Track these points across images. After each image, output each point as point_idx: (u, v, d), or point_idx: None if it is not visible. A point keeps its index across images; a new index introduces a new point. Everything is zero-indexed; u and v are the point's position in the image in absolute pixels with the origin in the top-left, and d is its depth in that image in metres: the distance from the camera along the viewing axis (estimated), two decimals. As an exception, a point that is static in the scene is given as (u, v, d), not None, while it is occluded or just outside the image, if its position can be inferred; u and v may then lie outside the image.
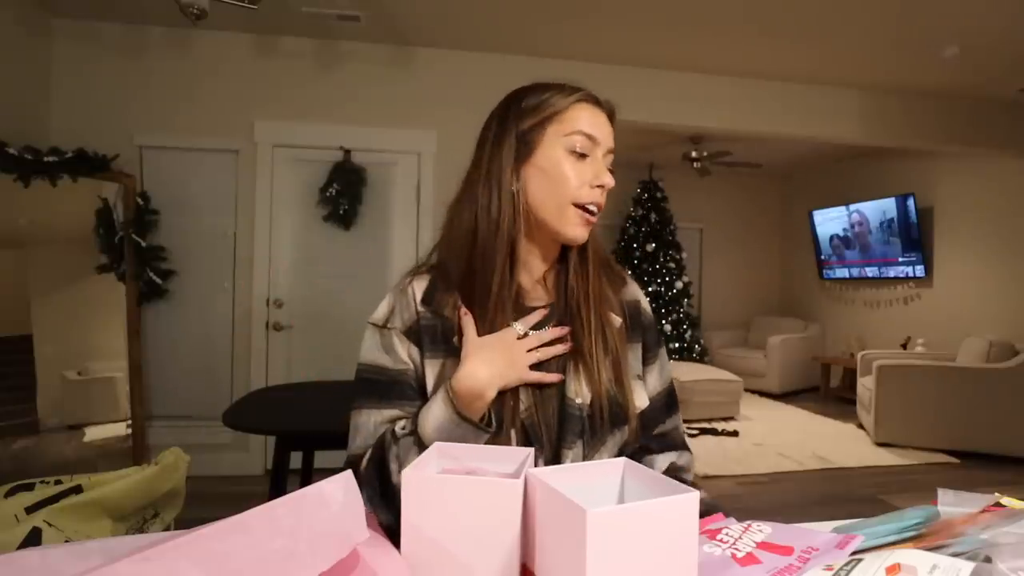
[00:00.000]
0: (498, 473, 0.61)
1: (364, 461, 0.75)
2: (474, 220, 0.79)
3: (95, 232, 3.04)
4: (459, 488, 0.54)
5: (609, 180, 0.79)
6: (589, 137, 0.78)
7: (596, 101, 0.81)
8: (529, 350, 0.77)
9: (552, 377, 0.77)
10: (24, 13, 2.97)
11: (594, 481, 0.58)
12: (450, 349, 0.78)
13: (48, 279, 2.99)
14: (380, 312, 0.83)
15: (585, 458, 0.77)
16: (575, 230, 0.79)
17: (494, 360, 0.74)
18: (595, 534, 0.44)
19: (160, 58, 3.28)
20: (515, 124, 0.80)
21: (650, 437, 0.88)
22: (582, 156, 0.78)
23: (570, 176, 0.78)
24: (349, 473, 0.51)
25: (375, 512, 0.71)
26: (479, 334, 0.77)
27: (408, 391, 0.78)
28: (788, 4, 2.94)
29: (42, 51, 3.12)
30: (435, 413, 0.72)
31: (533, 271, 0.85)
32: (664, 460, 0.86)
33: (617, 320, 0.85)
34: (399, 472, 0.70)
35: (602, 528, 0.45)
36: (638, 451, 0.84)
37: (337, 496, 0.49)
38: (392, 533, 0.61)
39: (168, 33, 3.26)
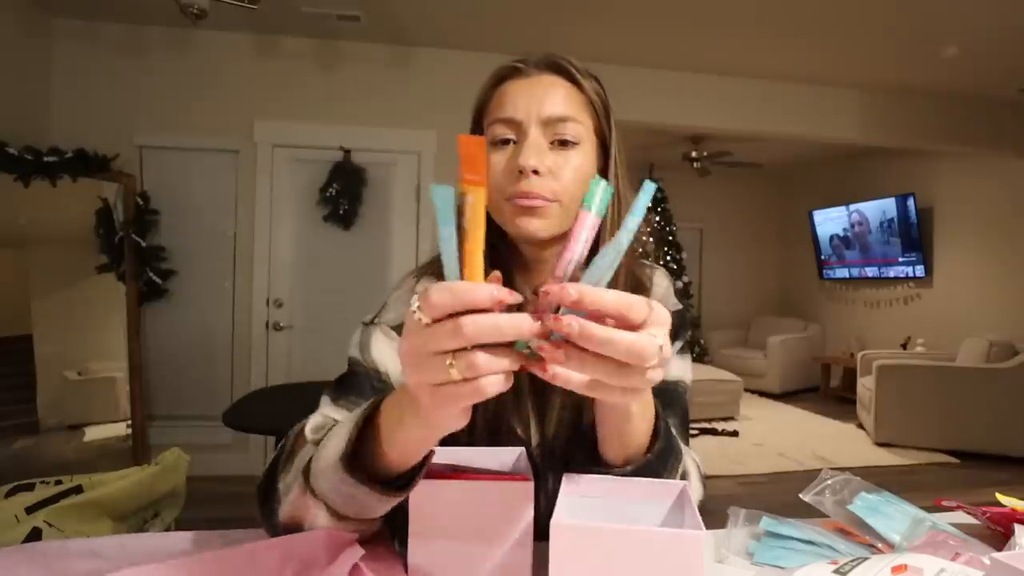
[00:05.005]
0: (495, 475, 0.60)
1: (267, 465, 0.59)
2: None
3: (95, 232, 3.04)
4: (468, 492, 0.52)
5: (528, 159, 0.62)
6: (506, 122, 0.66)
7: (519, 70, 0.68)
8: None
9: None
10: (24, 13, 2.97)
11: (643, 499, 0.53)
12: None
13: (48, 279, 2.99)
14: (373, 314, 0.75)
15: (542, 491, 0.68)
16: (514, 226, 0.66)
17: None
18: (559, 547, 0.41)
19: (160, 58, 3.28)
20: (471, 124, 0.73)
21: None
22: (505, 143, 0.66)
23: (495, 169, 0.66)
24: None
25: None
26: None
27: (367, 390, 0.67)
28: (789, 4, 2.94)
29: (42, 51, 3.11)
30: (332, 443, 0.50)
31: (533, 276, 0.74)
32: None
33: None
34: (284, 498, 0.54)
35: (567, 542, 0.41)
36: None
37: (329, 543, 0.49)
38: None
39: (168, 33, 3.26)
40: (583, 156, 0.67)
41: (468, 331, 0.36)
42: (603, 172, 0.70)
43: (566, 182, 0.65)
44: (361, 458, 0.49)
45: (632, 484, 0.52)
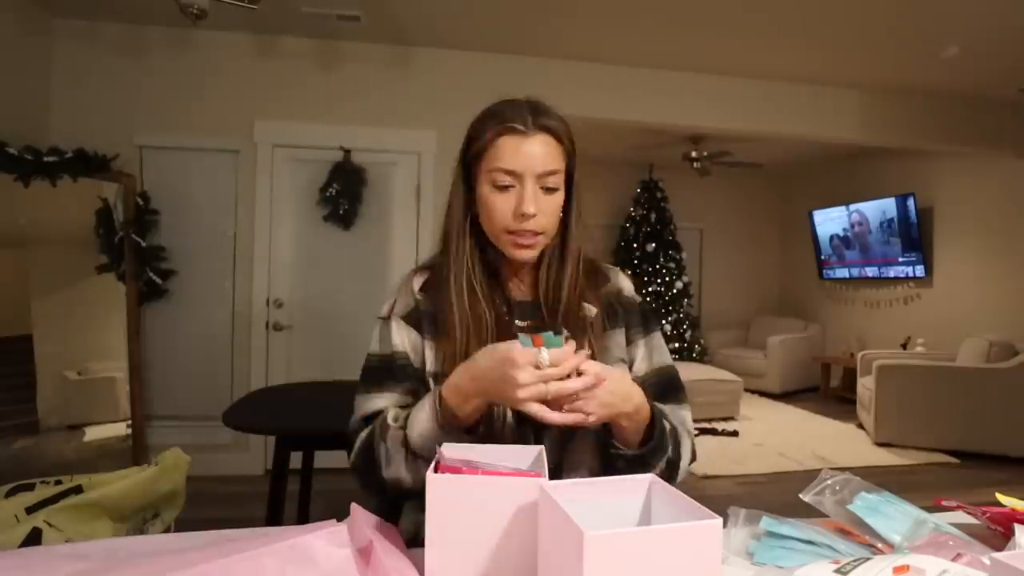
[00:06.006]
0: (512, 470, 0.61)
1: (355, 451, 0.84)
2: (444, 237, 0.90)
3: (95, 232, 3.04)
4: (485, 487, 0.53)
5: (529, 208, 0.81)
6: (508, 172, 0.82)
7: (518, 130, 0.82)
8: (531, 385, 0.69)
9: (556, 417, 0.70)
10: (24, 13, 2.97)
11: (617, 498, 0.55)
12: (442, 333, 0.86)
13: (48, 279, 2.99)
14: (384, 308, 0.92)
15: (551, 451, 0.81)
16: (514, 253, 0.85)
17: (484, 376, 0.72)
18: (593, 559, 0.41)
19: (160, 58, 3.28)
20: (464, 154, 0.88)
21: None
22: (505, 188, 0.83)
23: (495, 209, 0.84)
24: (343, 527, 0.52)
25: (368, 498, 0.82)
26: (460, 331, 0.84)
27: (399, 374, 0.87)
28: (788, 4, 2.94)
29: (42, 51, 3.11)
30: (421, 418, 0.76)
31: (514, 266, 0.91)
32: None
33: (592, 310, 0.89)
34: (386, 467, 0.79)
35: (602, 553, 0.42)
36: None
37: (326, 553, 0.49)
38: (384, 515, 0.77)
39: (168, 33, 3.26)
40: (559, 196, 0.87)
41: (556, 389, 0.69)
42: (568, 192, 0.89)
43: (549, 217, 0.85)
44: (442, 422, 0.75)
45: (606, 484, 0.56)
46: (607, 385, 0.71)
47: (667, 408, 0.88)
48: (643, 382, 0.89)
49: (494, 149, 0.83)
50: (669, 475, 0.82)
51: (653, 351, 0.95)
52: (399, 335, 0.89)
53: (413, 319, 0.89)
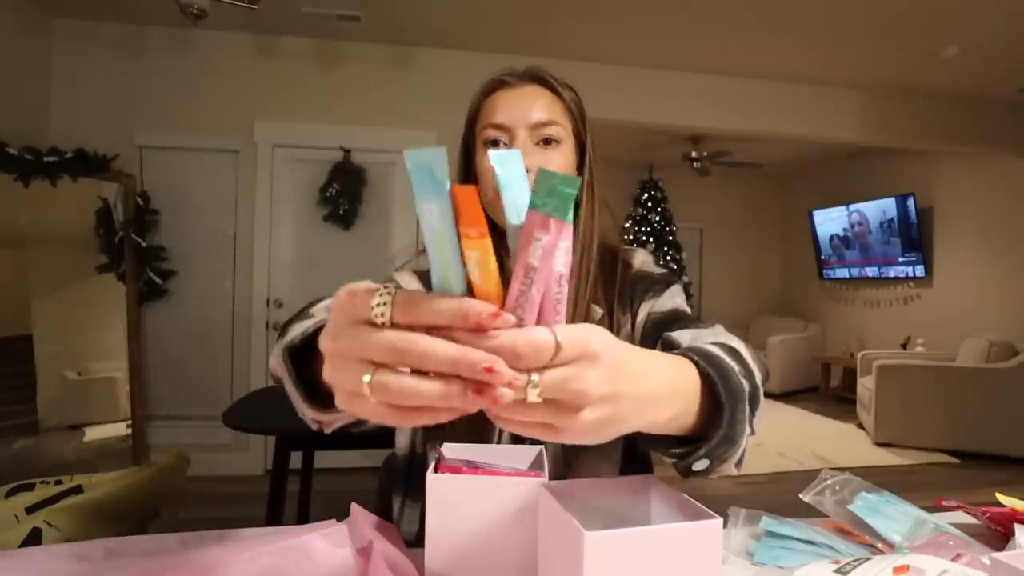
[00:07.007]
0: (512, 470, 0.61)
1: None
2: None
3: (95, 232, 3.04)
4: (485, 487, 0.53)
5: None
6: (497, 127, 0.75)
7: (506, 83, 0.78)
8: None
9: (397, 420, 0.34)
10: (24, 13, 2.97)
11: (617, 498, 0.55)
12: None
13: (48, 279, 2.99)
14: (397, 264, 0.86)
15: (566, 459, 0.76)
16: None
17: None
18: (593, 558, 0.41)
19: (160, 58, 3.28)
20: (464, 136, 0.82)
21: None
22: (496, 145, 0.75)
23: (485, 170, 0.74)
24: (343, 526, 0.52)
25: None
26: None
27: None
28: (788, 4, 2.94)
29: (42, 51, 3.11)
30: (297, 328, 0.53)
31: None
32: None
33: (598, 312, 0.77)
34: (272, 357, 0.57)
35: (601, 552, 0.42)
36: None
37: (326, 553, 0.49)
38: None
39: (168, 33, 3.26)
40: (564, 155, 0.76)
41: (417, 350, 0.29)
42: (580, 169, 0.79)
43: None
44: (309, 358, 0.48)
45: (606, 484, 0.55)
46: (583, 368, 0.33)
47: (688, 334, 0.65)
48: (642, 328, 0.76)
49: (484, 108, 0.78)
50: (753, 408, 0.56)
51: (656, 304, 0.78)
52: (405, 281, 0.82)
53: (425, 280, 0.81)
